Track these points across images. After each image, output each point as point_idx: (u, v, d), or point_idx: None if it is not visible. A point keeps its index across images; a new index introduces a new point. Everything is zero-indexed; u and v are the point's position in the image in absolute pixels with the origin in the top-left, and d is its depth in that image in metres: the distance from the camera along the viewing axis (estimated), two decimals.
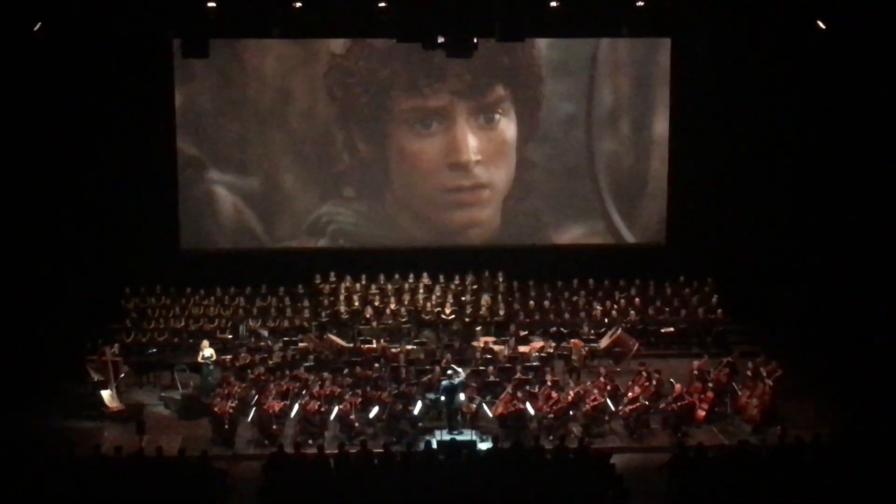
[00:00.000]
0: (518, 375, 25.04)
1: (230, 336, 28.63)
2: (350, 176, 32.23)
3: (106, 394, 25.15)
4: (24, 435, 23.05)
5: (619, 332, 27.63)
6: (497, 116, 31.98)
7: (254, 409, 23.82)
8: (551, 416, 23.69)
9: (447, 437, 22.89)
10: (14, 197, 28.32)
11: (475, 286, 30.39)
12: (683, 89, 31.60)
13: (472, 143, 31.88)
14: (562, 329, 28.71)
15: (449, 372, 24.65)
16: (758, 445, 21.81)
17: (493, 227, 32.54)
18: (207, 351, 26.31)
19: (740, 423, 24.24)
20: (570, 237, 32.57)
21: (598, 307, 29.56)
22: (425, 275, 30.53)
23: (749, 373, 25.08)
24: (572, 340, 27.20)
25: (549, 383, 24.42)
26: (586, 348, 27.01)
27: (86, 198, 30.12)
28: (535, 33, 28.31)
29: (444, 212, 32.45)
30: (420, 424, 23.90)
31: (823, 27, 25.61)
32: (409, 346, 27.38)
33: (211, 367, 26.18)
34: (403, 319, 29.08)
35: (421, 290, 30.02)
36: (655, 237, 32.46)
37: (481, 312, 29.35)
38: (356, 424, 23.56)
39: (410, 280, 30.48)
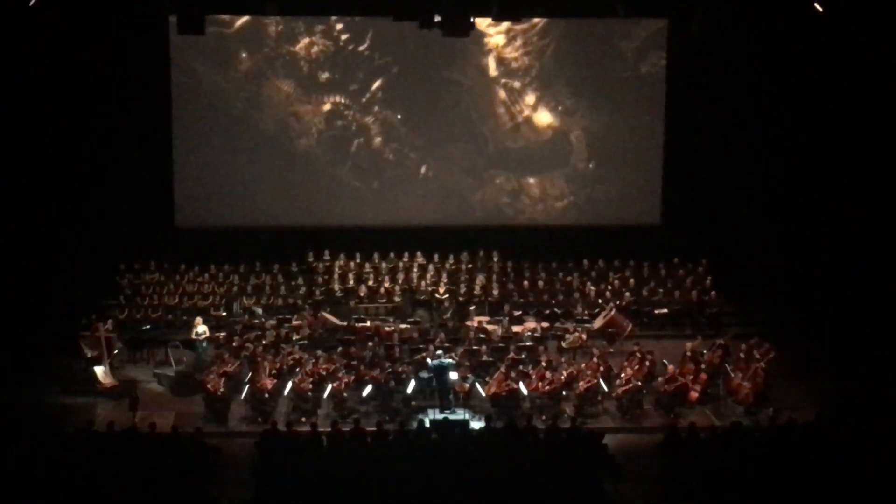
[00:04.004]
0: (511, 355, 25.08)
1: (224, 313, 28.59)
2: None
3: (99, 370, 25.16)
4: (17, 410, 23.08)
5: (612, 312, 27.65)
6: None
7: (247, 386, 23.83)
8: (544, 395, 23.74)
9: (440, 416, 22.96)
10: (9, 172, 28.26)
11: (469, 266, 30.37)
12: (679, 69, 31.54)
13: None
14: (556, 310, 28.72)
15: (438, 352, 24.67)
16: (750, 427, 21.88)
17: None
18: (201, 328, 26.31)
19: (733, 404, 24.29)
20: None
21: (592, 288, 29.55)
22: (419, 254, 30.51)
23: (742, 354, 25.13)
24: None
25: (542, 363, 24.45)
26: (583, 337, 26.94)
27: (82, 174, 30.04)
28: (532, 13, 28.27)
29: None
30: (413, 403, 23.94)
31: (820, 9, 25.56)
32: (402, 325, 27.40)
33: (204, 343, 26.19)
34: (397, 299, 29.09)
35: (415, 270, 30.02)
36: (650, 218, 32.44)
37: (475, 292, 29.35)
38: (349, 403, 23.60)
39: (405, 259, 30.46)
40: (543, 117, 32.33)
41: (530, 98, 32.26)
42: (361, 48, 31.79)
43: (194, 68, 31.43)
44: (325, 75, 31.89)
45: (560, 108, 32.29)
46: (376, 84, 31.96)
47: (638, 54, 32.01)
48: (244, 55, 31.60)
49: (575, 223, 32.50)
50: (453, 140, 32.35)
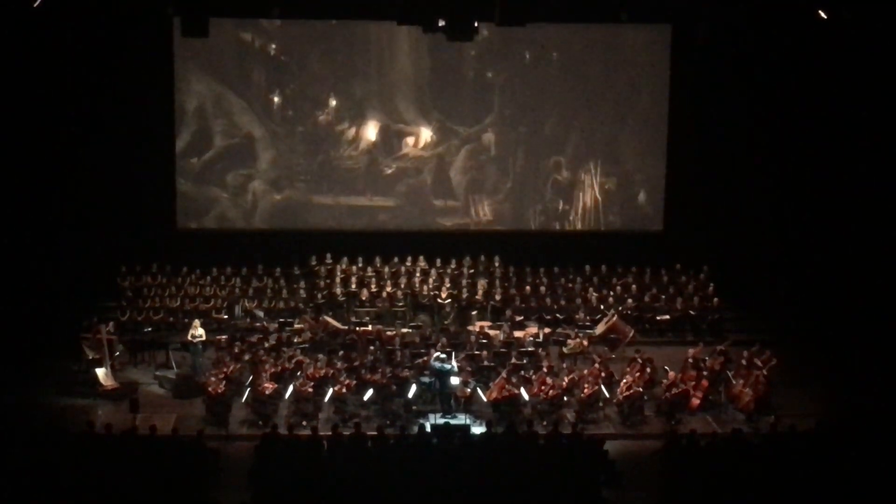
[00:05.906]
0: (513, 360, 25.06)
1: (226, 316, 28.58)
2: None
3: (100, 372, 25.16)
4: (17, 411, 23.08)
5: (614, 318, 27.63)
6: None
7: (248, 389, 23.81)
8: (545, 401, 23.71)
9: (441, 421, 22.94)
10: (11, 174, 28.27)
11: (472, 270, 30.35)
12: (683, 76, 31.53)
13: None
14: (557, 315, 28.69)
15: (442, 356, 24.65)
16: (751, 434, 21.85)
17: None
18: (198, 330, 26.23)
19: (734, 411, 24.26)
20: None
21: (595, 294, 29.54)
22: (422, 258, 30.48)
23: (743, 361, 25.08)
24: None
25: (543, 369, 24.43)
26: (585, 343, 26.94)
27: (83, 176, 30.05)
28: (536, 18, 28.17)
29: None
30: (414, 407, 23.92)
31: (824, 16, 25.55)
32: (404, 330, 27.39)
33: (199, 347, 26.11)
34: (400, 303, 29.07)
35: (417, 274, 29.99)
36: (652, 224, 32.44)
37: (477, 297, 29.33)
38: (350, 406, 23.58)
39: (407, 263, 30.44)
40: (546, 126, 32.30)
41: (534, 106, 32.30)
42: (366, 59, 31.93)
43: (200, 70, 31.43)
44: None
45: (563, 115, 32.25)
46: (379, 93, 32.00)
47: (643, 64, 31.98)
48: (252, 60, 31.60)
49: (577, 229, 32.50)
50: (458, 149, 32.37)
